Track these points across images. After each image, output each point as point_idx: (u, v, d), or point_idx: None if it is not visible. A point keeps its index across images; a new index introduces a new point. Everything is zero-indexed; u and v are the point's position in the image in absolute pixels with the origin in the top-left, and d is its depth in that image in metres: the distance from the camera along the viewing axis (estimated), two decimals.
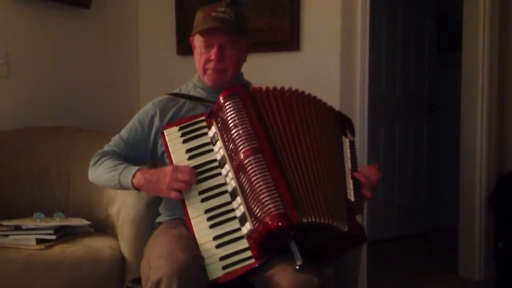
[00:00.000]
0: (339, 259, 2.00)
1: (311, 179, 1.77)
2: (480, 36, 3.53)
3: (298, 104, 1.90)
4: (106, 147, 2.07)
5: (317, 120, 1.90)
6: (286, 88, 1.93)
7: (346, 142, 1.96)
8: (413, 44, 4.69)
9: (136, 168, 1.91)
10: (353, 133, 2.03)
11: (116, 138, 2.08)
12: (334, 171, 1.85)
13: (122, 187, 1.94)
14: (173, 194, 1.81)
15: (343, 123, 2.02)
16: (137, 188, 1.90)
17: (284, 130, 1.83)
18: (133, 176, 1.88)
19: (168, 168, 1.82)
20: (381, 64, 4.43)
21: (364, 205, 2.24)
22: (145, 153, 2.07)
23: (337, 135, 1.96)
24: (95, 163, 2.02)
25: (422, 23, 4.73)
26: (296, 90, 1.94)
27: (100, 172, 1.99)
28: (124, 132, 2.08)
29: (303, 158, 1.80)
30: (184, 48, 3.34)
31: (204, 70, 2.03)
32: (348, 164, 1.91)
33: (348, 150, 1.95)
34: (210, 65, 2.00)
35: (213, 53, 1.97)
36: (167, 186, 1.81)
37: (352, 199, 1.84)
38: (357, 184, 1.89)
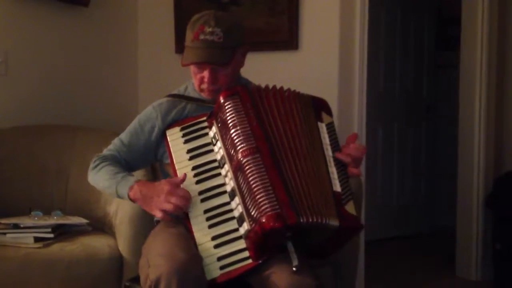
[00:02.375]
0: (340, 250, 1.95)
1: (308, 178, 1.76)
2: (479, 37, 3.54)
3: (297, 104, 1.89)
4: (106, 151, 2.02)
5: (312, 119, 1.89)
6: (285, 87, 1.92)
7: (322, 128, 1.91)
8: (411, 44, 4.69)
9: (133, 179, 1.86)
10: (330, 113, 1.96)
11: (116, 141, 2.03)
12: (320, 166, 1.82)
13: (119, 196, 1.90)
14: (160, 214, 1.78)
15: (319, 108, 1.95)
16: (133, 201, 1.86)
17: (284, 130, 1.82)
18: (130, 188, 1.84)
19: (166, 187, 1.77)
20: (379, 64, 4.43)
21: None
22: (146, 157, 2.03)
23: (316, 125, 1.90)
24: (95, 167, 1.98)
25: (420, 23, 4.73)
26: (294, 91, 1.93)
27: (99, 178, 1.95)
28: (124, 136, 2.03)
29: (304, 158, 1.79)
30: (183, 46, 3.32)
31: (200, 89, 1.97)
32: (328, 152, 1.86)
33: (327, 136, 1.89)
34: (204, 86, 1.94)
35: (206, 75, 1.92)
36: (159, 205, 1.76)
37: (339, 189, 1.81)
38: (341, 170, 1.84)
